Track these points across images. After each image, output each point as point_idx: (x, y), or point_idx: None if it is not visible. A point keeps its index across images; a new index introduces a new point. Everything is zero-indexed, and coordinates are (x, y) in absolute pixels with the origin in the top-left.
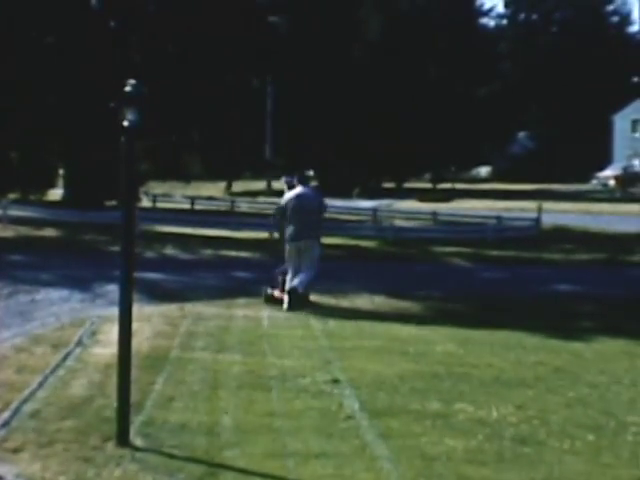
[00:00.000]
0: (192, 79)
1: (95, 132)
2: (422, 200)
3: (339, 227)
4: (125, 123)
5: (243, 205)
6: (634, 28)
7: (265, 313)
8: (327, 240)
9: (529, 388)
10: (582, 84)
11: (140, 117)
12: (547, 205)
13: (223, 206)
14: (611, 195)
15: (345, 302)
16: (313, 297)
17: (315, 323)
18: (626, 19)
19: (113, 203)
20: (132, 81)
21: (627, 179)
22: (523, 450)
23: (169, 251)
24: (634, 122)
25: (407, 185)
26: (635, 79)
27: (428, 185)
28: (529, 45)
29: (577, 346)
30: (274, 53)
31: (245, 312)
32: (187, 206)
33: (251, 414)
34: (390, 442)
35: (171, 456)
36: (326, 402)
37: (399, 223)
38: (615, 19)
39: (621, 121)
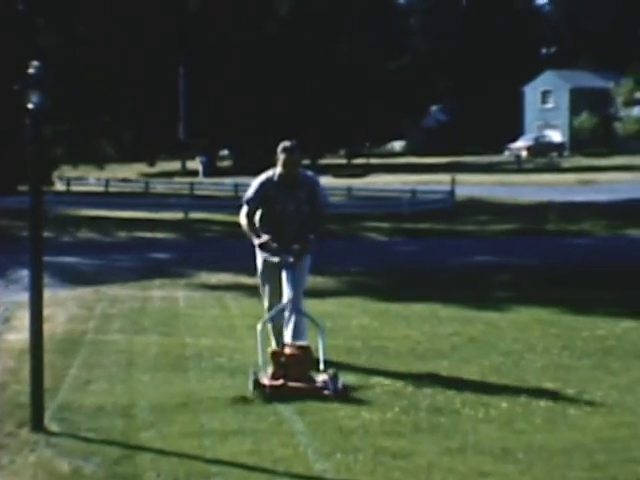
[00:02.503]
0: (102, 61)
1: (2, 116)
2: (337, 176)
3: None
4: (30, 106)
5: (158, 186)
6: (541, 0)
7: (181, 293)
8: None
9: (444, 359)
10: (492, 57)
11: (45, 99)
12: (461, 177)
13: (137, 188)
14: (522, 166)
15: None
16: (232, 278)
17: (231, 302)
18: None
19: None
20: (35, 63)
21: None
22: (439, 420)
23: (83, 234)
24: (544, 93)
25: (322, 161)
26: (544, 51)
27: (343, 161)
28: (439, 18)
29: (492, 316)
30: (185, 31)
31: (161, 293)
32: (101, 189)
33: (168, 395)
34: (306, 417)
35: (87, 440)
36: (243, 380)
37: None
38: None
39: (531, 92)
